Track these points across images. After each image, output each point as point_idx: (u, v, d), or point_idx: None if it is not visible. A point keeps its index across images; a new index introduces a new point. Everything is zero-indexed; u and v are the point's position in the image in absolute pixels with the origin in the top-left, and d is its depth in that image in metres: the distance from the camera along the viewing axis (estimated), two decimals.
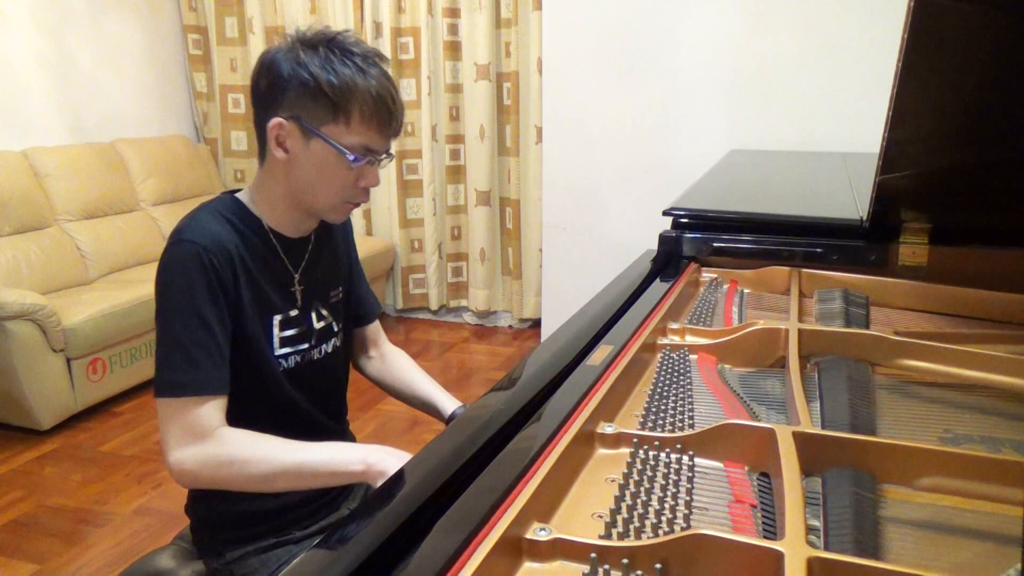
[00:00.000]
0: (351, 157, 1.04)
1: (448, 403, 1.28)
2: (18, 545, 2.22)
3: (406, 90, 3.92)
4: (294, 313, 1.15)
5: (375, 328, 1.37)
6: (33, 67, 3.52)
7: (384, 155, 1.09)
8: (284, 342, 1.14)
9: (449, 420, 1.26)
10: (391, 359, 1.37)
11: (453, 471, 0.71)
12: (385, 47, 3.91)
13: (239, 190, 1.15)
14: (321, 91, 1.01)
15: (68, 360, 2.92)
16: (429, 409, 1.30)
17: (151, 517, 2.36)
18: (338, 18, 3.96)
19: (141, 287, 3.26)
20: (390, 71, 1.06)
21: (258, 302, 1.09)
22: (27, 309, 2.75)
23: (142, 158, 3.88)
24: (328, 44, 1.03)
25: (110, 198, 3.65)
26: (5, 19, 3.38)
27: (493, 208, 4.01)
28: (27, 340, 2.76)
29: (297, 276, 1.16)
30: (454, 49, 3.87)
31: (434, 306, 4.21)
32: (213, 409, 1.01)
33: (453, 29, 3.84)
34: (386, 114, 1.05)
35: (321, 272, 1.20)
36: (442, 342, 4.00)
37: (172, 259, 1.02)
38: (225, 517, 1.16)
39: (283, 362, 1.14)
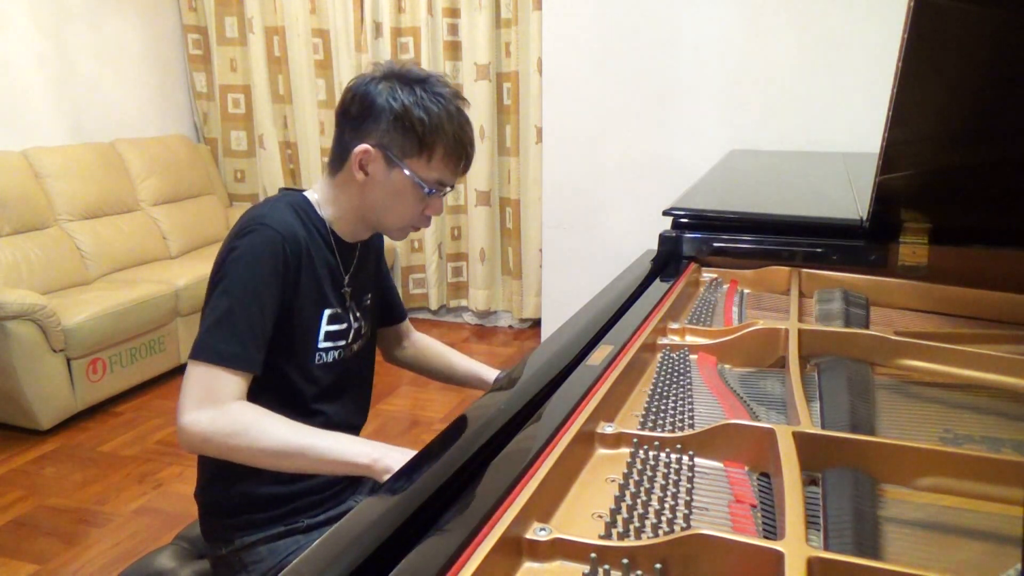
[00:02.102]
0: (427, 190, 1.14)
1: (489, 372, 1.43)
2: (18, 545, 2.22)
3: None
4: (340, 311, 1.23)
5: (407, 323, 1.50)
6: (33, 67, 3.52)
7: (450, 187, 1.19)
8: (328, 336, 1.21)
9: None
10: (423, 345, 1.52)
11: (453, 471, 0.71)
12: (385, 47, 3.91)
13: (303, 190, 1.24)
14: (412, 127, 1.10)
15: (68, 360, 2.92)
16: (472, 381, 1.45)
17: (151, 517, 2.36)
18: (338, 18, 3.96)
19: (141, 287, 3.27)
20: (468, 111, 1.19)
21: (316, 294, 1.18)
22: (27, 309, 2.75)
23: (142, 158, 3.87)
24: (422, 84, 1.12)
25: (110, 198, 3.65)
26: (5, 19, 3.38)
27: (493, 208, 4.01)
28: (27, 340, 2.76)
29: (347, 278, 1.24)
30: (454, 49, 3.86)
31: (434, 306, 4.21)
32: (237, 384, 1.06)
33: (453, 29, 3.84)
34: (464, 156, 1.16)
35: (362, 278, 1.29)
36: (442, 342, 3.99)
37: (254, 241, 1.09)
38: (238, 500, 1.19)
39: (323, 355, 1.21)
